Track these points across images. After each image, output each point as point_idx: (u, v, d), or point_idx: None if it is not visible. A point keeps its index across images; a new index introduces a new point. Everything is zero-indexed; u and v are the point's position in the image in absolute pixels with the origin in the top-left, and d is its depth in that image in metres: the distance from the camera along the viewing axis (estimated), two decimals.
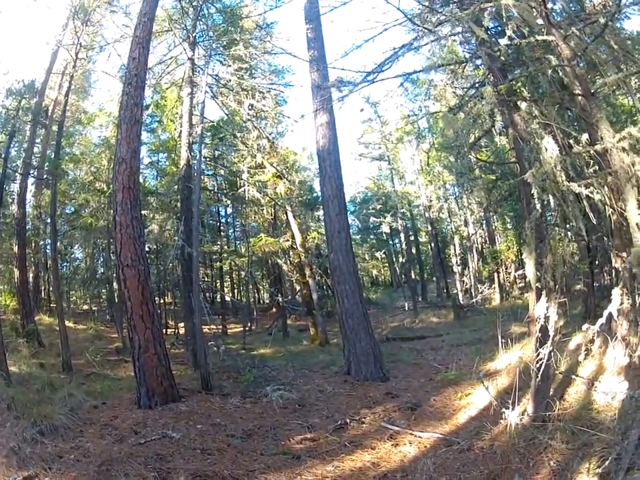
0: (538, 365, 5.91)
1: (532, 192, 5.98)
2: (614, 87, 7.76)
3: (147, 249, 15.85)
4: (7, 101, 14.95)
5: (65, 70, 18.09)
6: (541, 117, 6.50)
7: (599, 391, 6.65)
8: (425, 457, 6.26)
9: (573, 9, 9.27)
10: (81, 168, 22.19)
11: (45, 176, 18.48)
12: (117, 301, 20.16)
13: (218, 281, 33.85)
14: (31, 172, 17.93)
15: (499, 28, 8.49)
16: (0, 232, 18.87)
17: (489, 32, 8.22)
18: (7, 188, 17.97)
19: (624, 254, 6.29)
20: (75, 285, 26.92)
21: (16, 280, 16.53)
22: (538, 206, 6.00)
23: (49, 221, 18.49)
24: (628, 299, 5.66)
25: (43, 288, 25.20)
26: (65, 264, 27.86)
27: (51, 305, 22.06)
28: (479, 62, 10.33)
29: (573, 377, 7.44)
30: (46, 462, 5.82)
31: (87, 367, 12.81)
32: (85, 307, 27.22)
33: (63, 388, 9.34)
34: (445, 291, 32.19)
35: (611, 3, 8.16)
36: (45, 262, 24.28)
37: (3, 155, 14.62)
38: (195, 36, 17.15)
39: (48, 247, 22.79)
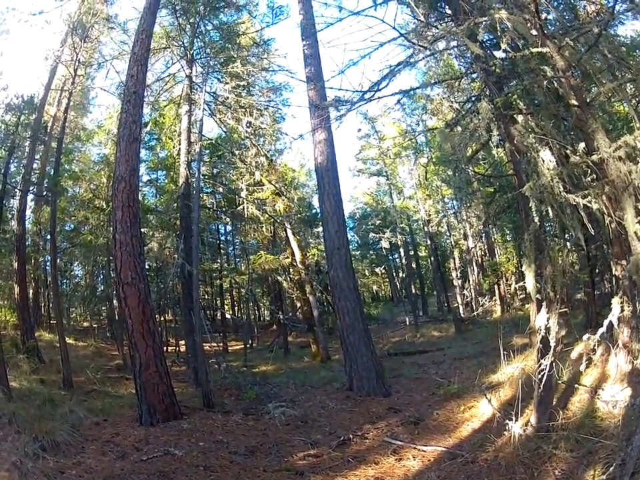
0: (540, 376, 5.91)
1: (530, 204, 6.01)
2: (609, 95, 7.79)
3: (147, 267, 15.86)
4: (6, 117, 15.00)
5: (64, 86, 18.18)
6: (537, 130, 6.53)
7: (602, 399, 6.65)
8: (428, 470, 6.25)
9: (566, 17, 9.31)
10: (80, 185, 22.13)
11: (44, 192, 18.50)
12: (117, 318, 20.14)
13: (218, 298, 33.91)
14: (31, 188, 17.95)
15: (494, 40, 8.52)
16: (0, 248, 18.84)
17: (484, 45, 8.24)
18: (6, 204, 17.99)
19: (623, 262, 6.31)
20: (75, 302, 26.84)
21: (16, 296, 16.47)
22: (536, 218, 6.02)
23: (48, 237, 18.51)
24: (629, 306, 5.68)
25: (43, 304, 25.19)
26: (65, 281, 27.88)
27: (51, 322, 22.02)
28: (475, 75, 10.38)
29: (576, 386, 7.44)
30: (48, 477, 5.79)
31: (87, 383, 12.76)
32: (86, 324, 27.09)
33: (63, 404, 9.30)
34: (446, 304, 32.14)
35: (604, 11, 8.22)
36: (45, 278, 24.28)
37: (2, 171, 14.65)
38: (193, 53, 17.26)
39: (48, 263, 22.79)
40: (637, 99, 9.38)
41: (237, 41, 18.34)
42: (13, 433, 6.70)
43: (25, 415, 7.88)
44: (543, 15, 7.44)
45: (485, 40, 8.37)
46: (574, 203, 5.73)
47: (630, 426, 5.15)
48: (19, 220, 16.67)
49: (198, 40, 17.55)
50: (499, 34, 6.62)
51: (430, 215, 30.76)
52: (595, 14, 8.82)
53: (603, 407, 6.45)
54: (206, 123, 19.84)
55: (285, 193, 21.62)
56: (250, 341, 24.77)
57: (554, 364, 5.93)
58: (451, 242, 31.99)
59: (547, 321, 5.89)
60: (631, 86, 8.50)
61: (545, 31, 6.59)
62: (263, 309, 36.68)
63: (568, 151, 6.20)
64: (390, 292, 48.98)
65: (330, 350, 19.14)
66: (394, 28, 8.80)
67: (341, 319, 12.17)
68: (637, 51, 9.19)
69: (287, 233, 21.78)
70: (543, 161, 6.01)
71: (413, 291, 33.76)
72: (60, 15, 16.69)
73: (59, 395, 10.73)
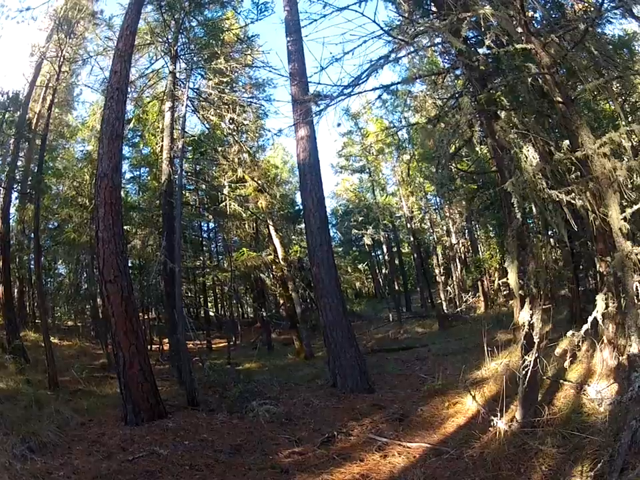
0: (524, 372, 5.94)
1: (512, 201, 6.03)
2: (595, 93, 7.84)
3: (129, 265, 15.74)
4: None
5: (49, 83, 18.01)
6: (520, 126, 6.55)
7: (588, 395, 6.70)
8: (414, 467, 6.24)
9: (554, 15, 9.33)
10: (63, 182, 21.85)
11: (28, 190, 18.30)
12: (101, 317, 19.96)
13: (201, 296, 33.75)
14: (15, 186, 17.72)
15: (479, 38, 8.52)
16: None
17: (468, 41, 8.25)
18: None
19: (608, 258, 6.35)
20: (60, 301, 26.64)
21: (0, 296, 16.30)
22: (518, 215, 6.04)
23: (32, 236, 18.34)
24: (614, 303, 5.72)
25: (27, 304, 24.97)
26: (49, 279, 27.61)
27: (36, 321, 21.79)
28: (458, 72, 10.38)
29: (561, 381, 7.49)
30: (37, 479, 5.77)
31: (73, 383, 12.62)
32: (70, 322, 26.89)
33: (49, 405, 9.20)
34: (429, 301, 32.27)
35: (592, 9, 8.25)
36: (30, 277, 24.04)
37: None
38: (177, 49, 17.20)
39: (32, 262, 22.59)
40: (623, 97, 9.45)
41: (221, 37, 18.26)
42: (1, 435, 6.68)
43: (12, 416, 7.87)
44: (530, 13, 7.46)
45: (469, 37, 8.40)
46: (557, 200, 5.76)
47: (617, 422, 5.20)
48: (3, 218, 16.43)
49: (182, 36, 17.49)
50: (483, 30, 6.61)
51: (413, 212, 30.81)
52: (582, 12, 8.87)
53: (589, 403, 6.50)
54: (189, 119, 19.80)
55: (267, 190, 21.58)
56: (233, 339, 24.69)
57: (538, 360, 5.97)
58: (433, 238, 31.96)
59: (531, 317, 5.93)
60: (617, 84, 8.56)
61: (530, 28, 6.60)
62: (246, 306, 36.59)
63: (552, 148, 6.23)
64: (373, 288, 48.99)
65: (313, 347, 19.16)
66: (374, 22, 8.73)
67: (324, 315, 12.16)
68: (624, 49, 9.26)
69: (269, 230, 21.74)
70: (526, 157, 6.03)
71: (396, 287, 33.77)
72: (46, 11, 16.57)
73: (45, 395, 10.62)
